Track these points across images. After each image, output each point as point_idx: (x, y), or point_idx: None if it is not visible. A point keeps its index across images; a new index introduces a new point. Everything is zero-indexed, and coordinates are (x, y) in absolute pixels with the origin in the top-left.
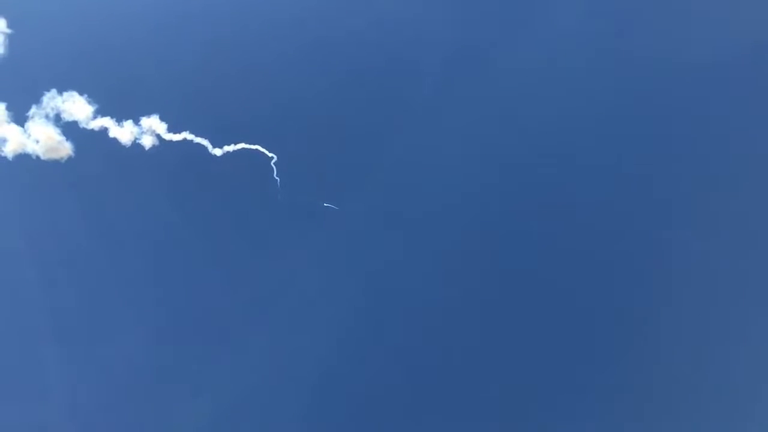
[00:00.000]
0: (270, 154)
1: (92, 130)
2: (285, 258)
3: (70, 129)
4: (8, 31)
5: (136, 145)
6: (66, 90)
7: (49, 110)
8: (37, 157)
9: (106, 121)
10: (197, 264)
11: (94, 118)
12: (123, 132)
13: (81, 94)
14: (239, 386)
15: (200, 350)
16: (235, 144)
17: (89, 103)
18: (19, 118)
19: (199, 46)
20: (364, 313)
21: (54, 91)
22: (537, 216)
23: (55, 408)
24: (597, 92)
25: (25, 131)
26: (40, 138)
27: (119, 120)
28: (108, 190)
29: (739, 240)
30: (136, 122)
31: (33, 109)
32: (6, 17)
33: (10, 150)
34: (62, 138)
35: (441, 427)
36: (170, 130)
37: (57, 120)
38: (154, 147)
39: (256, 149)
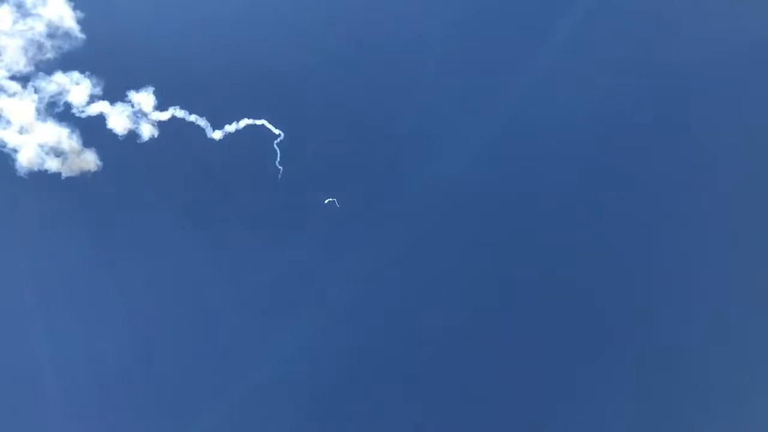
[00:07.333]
0: (276, 131)
1: (89, 116)
2: (286, 253)
3: (69, 121)
4: (80, 14)
5: (132, 134)
6: (54, 70)
7: (44, 95)
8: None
9: (104, 106)
10: (196, 262)
11: (91, 101)
12: (119, 118)
13: (82, 72)
14: (239, 384)
15: (198, 347)
16: (238, 122)
17: (88, 77)
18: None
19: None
20: (365, 310)
21: (40, 73)
22: (538, 214)
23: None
24: (597, 92)
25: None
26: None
27: (113, 101)
28: (105, 185)
29: (739, 240)
30: (130, 100)
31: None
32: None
33: (25, 162)
34: (85, 149)
35: (441, 427)
36: (165, 107)
37: (52, 107)
38: (152, 138)
39: (263, 125)
